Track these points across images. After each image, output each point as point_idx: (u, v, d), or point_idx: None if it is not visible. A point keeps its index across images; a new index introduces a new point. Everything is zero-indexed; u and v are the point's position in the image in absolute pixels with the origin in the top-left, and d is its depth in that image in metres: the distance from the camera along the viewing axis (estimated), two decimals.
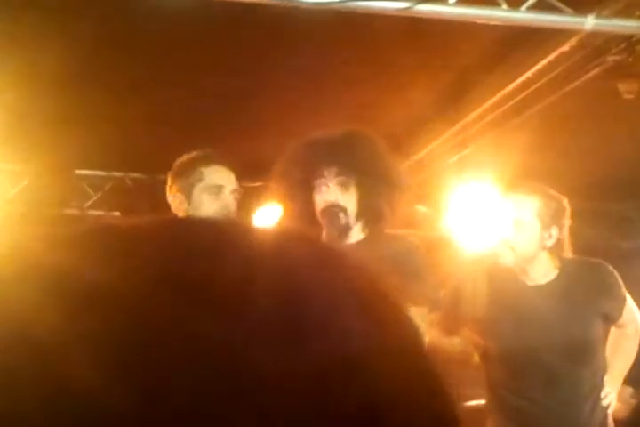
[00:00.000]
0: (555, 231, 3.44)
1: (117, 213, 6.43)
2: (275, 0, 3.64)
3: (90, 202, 6.62)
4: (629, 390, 4.01)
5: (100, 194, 6.59)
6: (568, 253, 3.54)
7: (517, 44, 4.28)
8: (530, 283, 3.48)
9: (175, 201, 3.33)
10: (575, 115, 5.02)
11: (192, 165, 3.32)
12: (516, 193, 3.51)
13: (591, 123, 5.15)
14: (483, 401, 5.05)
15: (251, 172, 6.14)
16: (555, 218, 3.44)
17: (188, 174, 3.30)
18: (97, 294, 0.44)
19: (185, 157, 3.39)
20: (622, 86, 4.34)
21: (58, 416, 0.41)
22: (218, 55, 4.36)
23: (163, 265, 0.46)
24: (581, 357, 3.41)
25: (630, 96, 4.34)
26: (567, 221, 3.49)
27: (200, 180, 3.28)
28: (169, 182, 3.39)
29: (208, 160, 3.33)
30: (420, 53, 4.34)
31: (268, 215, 6.44)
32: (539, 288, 3.46)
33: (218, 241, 0.49)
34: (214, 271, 0.47)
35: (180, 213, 3.22)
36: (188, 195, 3.28)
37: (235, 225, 0.53)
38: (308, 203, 3.08)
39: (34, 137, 4.95)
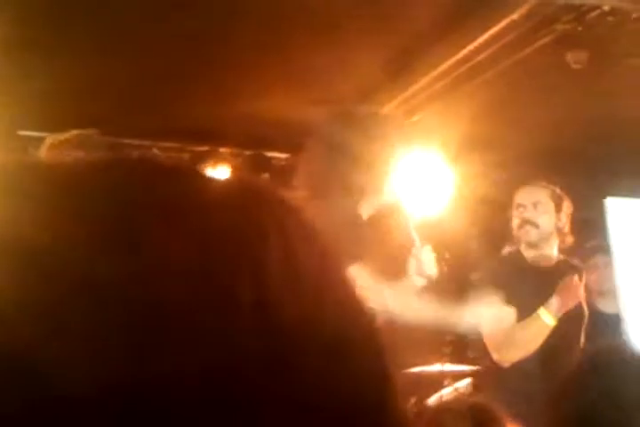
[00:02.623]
0: (563, 216, 3.96)
1: None
2: None
3: None
4: None
5: None
6: (570, 241, 4.05)
7: (467, 11, 4.27)
8: (541, 263, 3.96)
9: None
10: (524, 84, 5.04)
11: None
12: (530, 185, 4.03)
13: (540, 92, 5.17)
14: (425, 368, 5.13)
15: (198, 136, 6.11)
16: (561, 205, 3.98)
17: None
18: (42, 257, 0.43)
19: (53, 140, 3.62)
20: (571, 56, 4.35)
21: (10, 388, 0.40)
22: (166, 20, 4.30)
23: (109, 222, 0.45)
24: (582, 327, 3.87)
25: (578, 66, 4.36)
26: (569, 213, 4.00)
27: None
28: None
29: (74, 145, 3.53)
30: (369, 19, 4.31)
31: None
32: (548, 268, 3.94)
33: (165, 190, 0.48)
34: (163, 231, 0.45)
35: None
36: None
37: (182, 172, 0.52)
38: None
39: None
